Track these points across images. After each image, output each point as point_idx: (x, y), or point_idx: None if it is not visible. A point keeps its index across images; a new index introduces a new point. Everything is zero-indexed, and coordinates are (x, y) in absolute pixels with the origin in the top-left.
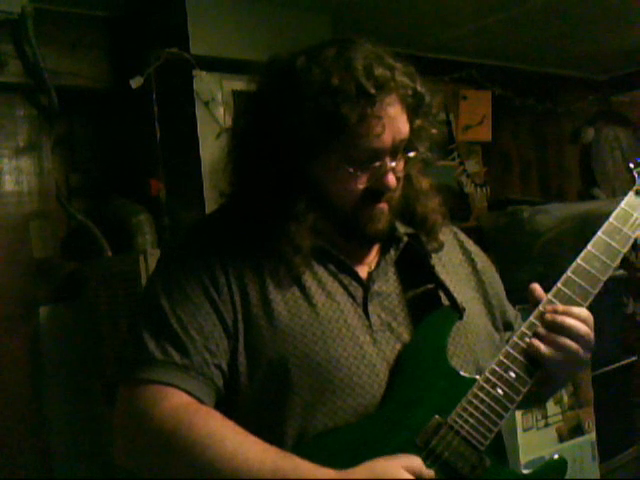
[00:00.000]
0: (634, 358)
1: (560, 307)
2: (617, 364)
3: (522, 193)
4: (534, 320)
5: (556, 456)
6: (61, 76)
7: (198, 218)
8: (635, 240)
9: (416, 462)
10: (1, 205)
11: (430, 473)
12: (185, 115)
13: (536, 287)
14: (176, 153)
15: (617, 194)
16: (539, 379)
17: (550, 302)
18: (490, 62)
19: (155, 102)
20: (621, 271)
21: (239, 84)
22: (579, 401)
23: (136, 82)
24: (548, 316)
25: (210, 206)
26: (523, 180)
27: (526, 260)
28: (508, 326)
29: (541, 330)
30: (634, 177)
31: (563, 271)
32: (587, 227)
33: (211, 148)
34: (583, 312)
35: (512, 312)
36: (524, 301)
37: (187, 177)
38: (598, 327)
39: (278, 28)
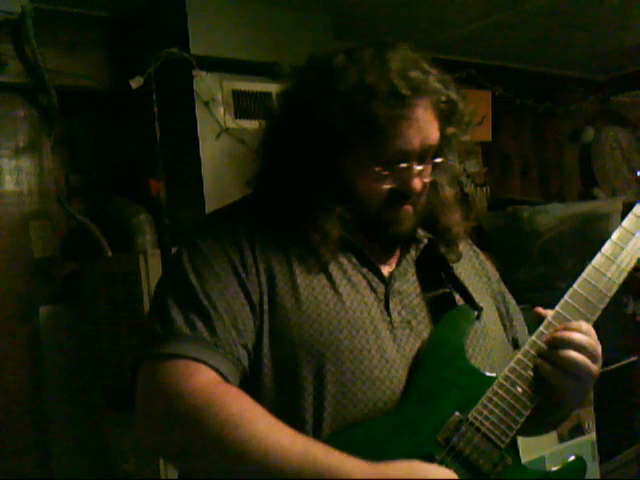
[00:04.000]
0: (634, 358)
1: (559, 326)
2: (617, 364)
3: (522, 193)
4: (552, 320)
5: (572, 457)
6: (61, 76)
7: (222, 206)
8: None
9: (451, 472)
10: (1, 205)
11: None
12: (185, 115)
13: (540, 310)
14: (176, 153)
15: (617, 194)
16: (552, 403)
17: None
18: (490, 62)
19: (155, 102)
20: None
21: (239, 84)
22: None
23: (136, 82)
24: (548, 337)
25: (210, 206)
26: (523, 180)
27: (526, 260)
28: (515, 342)
29: (545, 348)
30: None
31: (563, 272)
32: (587, 227)
33: (211, 148)
34: (583, 325)
35: (524, 335)
36: (524, 301)
37: (187, 177)
38: (598, 327)
39: (278, 28)
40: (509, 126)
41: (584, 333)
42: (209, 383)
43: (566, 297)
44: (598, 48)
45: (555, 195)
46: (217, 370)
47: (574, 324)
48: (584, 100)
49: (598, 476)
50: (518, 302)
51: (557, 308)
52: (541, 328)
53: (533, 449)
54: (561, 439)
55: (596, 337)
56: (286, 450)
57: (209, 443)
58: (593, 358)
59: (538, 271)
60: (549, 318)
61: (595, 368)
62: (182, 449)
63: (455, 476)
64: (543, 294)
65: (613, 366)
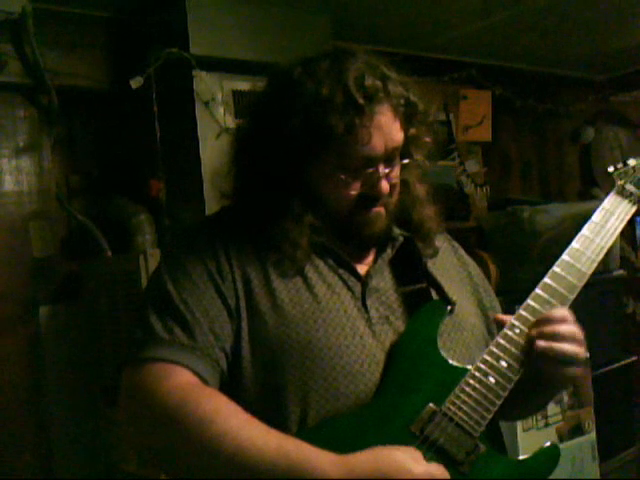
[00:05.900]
0: (634, 358)
1: (543, 316)
2: (617, 364)
3: (522, 193)
4: (523, 312)
5: (548, 443)
6: (61, 76)
7: (200, 218)
8: (635, 239)
9: (418, 452)
10: (1, 205)
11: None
12: (185, 115)
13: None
14: (176, 153)
15: None
16: (537, 387)
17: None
18: (490, 62)
19: (155, 102)
20: (621, 271)
21: (239, 84)
22: (579, 401)
23: (136, 82)
24: (534, 332)
25: (210, 206)
26: (523, 180)
27: (526, 260)
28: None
29: (519, 341)
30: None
31: None
32: None
33: (211, 148)
34: (564, 312)
35: None
36: (524, 301)
37: (187, 177)
38: (598, 327)
39: (278, 28)
40: (509, 126)
41: (567, 321)
42: (184, 384)
43: (546, 279)
44: (598, 48)
45: (555, 195)
46: (194, 371)
47: (555, 314)
48: (584, 100)
49: (598, 476)
50: (518, 302)
51: (536, 290)
52: (513, 320)
53: (533, 449)
54: (561, 439)
55: (574, 319)
56: (258, 445)
57: (184, 441)
58: (581, 343)
59: (538, 271)
60: (525, 303)
61: (583, 351)
62: (160, 448)
63: (418, 453)
64: None
65: (613, 366)
